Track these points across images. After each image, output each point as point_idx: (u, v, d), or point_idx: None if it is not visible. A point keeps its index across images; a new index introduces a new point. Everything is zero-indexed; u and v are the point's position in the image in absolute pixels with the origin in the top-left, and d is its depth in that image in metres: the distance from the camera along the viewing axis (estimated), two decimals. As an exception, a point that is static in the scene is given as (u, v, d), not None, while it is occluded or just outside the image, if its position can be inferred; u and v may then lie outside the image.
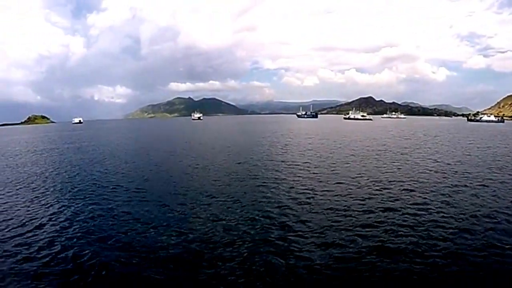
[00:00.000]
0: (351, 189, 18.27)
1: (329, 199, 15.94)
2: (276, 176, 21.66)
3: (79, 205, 16.59)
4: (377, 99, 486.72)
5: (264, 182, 19.93)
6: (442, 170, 24.13)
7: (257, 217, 13.44)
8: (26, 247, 11.32)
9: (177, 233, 12.04)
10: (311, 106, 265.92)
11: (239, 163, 28.25)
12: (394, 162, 27.77)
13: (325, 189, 18.05)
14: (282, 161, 28.21)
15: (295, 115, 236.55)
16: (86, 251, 10.72)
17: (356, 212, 14.10)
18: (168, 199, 16.79)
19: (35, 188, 21.23)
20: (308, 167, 25.19)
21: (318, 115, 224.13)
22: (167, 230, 12.30)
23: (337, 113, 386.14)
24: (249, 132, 74.51)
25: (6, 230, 13.18)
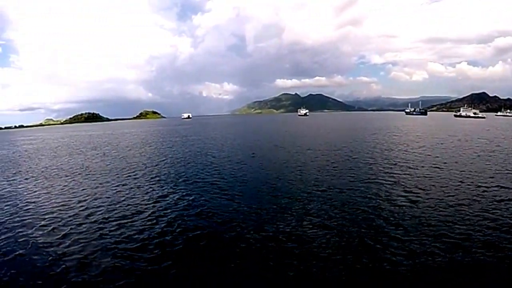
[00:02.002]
0: (452, 193, 16.42)
1: (431, 204, 14.59)
2: (379, 175, 20.69)
3: (180, 195, 17.57)
4: (491, 95, 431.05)
5: (365, 181, 19.23)
6: None
7: (350, 216, 13.22)
8: (124, 230, 12.53)
9: (271, 229, 12.03)
10: (420, 102, 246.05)
11: (341, 159, 27.67)
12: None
13: (427, 192, 16.54)
14: (386, 159, 27.09)
15: (403, 112, 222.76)
16: (179, 241, 11.34)
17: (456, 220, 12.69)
18: (264, 195, 16.95)
19: (141, 177, 23.17)
20: (412, 167, 23.49)
21: (428, 112, 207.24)
22: (259, 226, 12.33)
23: (447, 110, 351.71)
24: (354, 129, 71.04)
25: (109, 214, 14.56)
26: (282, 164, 25.95)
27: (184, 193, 17.81)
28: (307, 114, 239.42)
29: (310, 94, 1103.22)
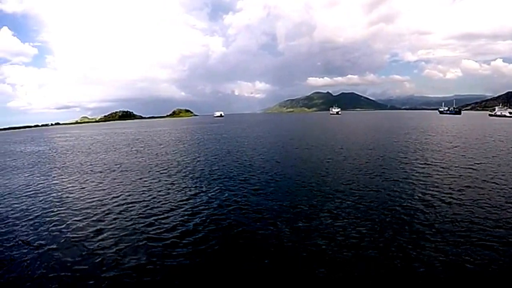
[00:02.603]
0: (486, 195, 15.66)
1: (465, 206, 14.08)
2: (412, 175, 20.27)
3: (212, 192, 17.68)
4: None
5: (399, 180, 18.88)
6: None
7: (381, 218, 12.80)
8: (157, 226, 12.61)
9: (304, 227, 11.95)
10: (454, 101, 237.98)
11: (374, 158, 27.30)
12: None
13: (462, 193, 15.96)
14: (419, 159, 26.35)
15: (436, 111, 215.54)
16: (212, 238, 11.33)
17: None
18: (296, 193, 16.84)
19: (174, 174, 23.33)
20: (445, 167, 22.74)
21: (462, 111, 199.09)
22: (292, 225, 12.23)
23: (482, 109, 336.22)
24: (387, 128, 69.14)
25: (142, 210, 14.72)
26: (315, 162, 25.86)
27: (216, 190, 17.92)
28: (339, 112, 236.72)
29: (342, 93, 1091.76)
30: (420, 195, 15.67)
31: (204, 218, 13.25)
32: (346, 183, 18.30)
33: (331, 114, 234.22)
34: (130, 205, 15.60)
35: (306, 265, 9.15)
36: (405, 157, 27.05)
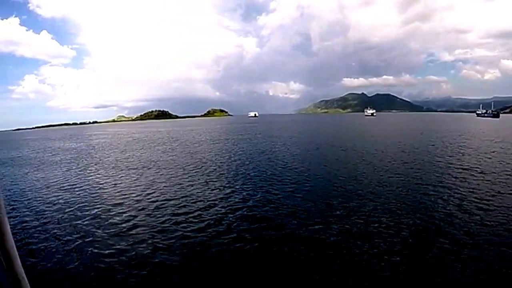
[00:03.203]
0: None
1: (504, 213, 13.23)
2: (449, 180, 19.28)
3: (244, 192, 17.56)
4: None
5: (434, 185, 18.01)
6: None
7: (416, 223, 12.24)
8: (189, 223, 12.66)
9: (336, 229, 11.64)
10: (492, 103, 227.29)
11: (409, 161, 26.08)
12: None
13: (501, 200, 15.02)
14: (452, 164, 24.87)
15: (474, 114, 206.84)
16: (242, 237, 11.18)
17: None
18: (330, 194, 16.56)
19: (208, 173, 23.40)
20: (483, 172, 21.41)
21: (500, 115, 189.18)
22: (324, 226, 11.96)
23: None
24: (423, 131, 65.90)
25: (175, 207, 14.85)
26: (349, 164, 25.41)
27: (250, 190, 17.89)
28: (374, 114, 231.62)
29: (377, 94, 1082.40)
30: (456, 200, 15.12)
31: (236, 217, 13.20)
32: (380, 186, 17.91)
33: (365, 115, 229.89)
34: (164, 202, 15.71)
35: (337, 268, 8.93)
36: (441, 161, 26.02)
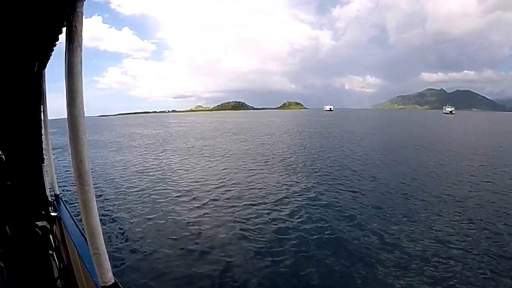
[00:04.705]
0: None
1: None
2: None
3: (311, 185, 17.16)
4: None
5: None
6: None
7: (488, 234, 10.75)
8: (252, 212, 12.55)
9: (396, 233, 10.79)
10: None
11: (486, 167, 23.07)
12: None
13: None
14: None
15: None
16: (301, 232, 10.76)
17: None
18: (396, 196, 15.47)
19: (277, 164, 23.38)
20: None
21: None
22: (385, 229, 11.13)
23: None
24: (507, 134, 59.38)
25: (242, 195, 15.05)
26: (421, 165, 23.55)
27: (314, 184, 17.50)
28: (453, 112, 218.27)
29: (457, 90, 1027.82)
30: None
31: (298, 211, 12.91)
32: (451, 193, 16.23)
33: (444, 113, 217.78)
34: (232, 188, 16.02)
35: (392, 274, 8.29)
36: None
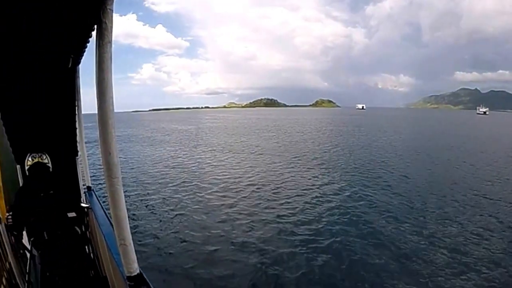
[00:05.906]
0: None
1: None
2: None
3: (342, 183, 17.16)
4: None
5: None
6: None
7: None
8: (282, 208, 12.64)
9: (426, 234, 10.57)
10: None
11: None
12: None
13: None
14: None
15: None
16: (332, 229, 10.78)
17: None
18: (427, 196, 15.29)
19: (308, 161, 23.39)
20: None
21: None
22: (416, 229, 11.02)
23: None
24: None
25: (272, 192, 15.05)
26: (453, 166, 23.31)
27: (346, 182, 17.50)
28: (487, 112, 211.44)
29: (492, 91, 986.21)
30: None
31: (329, 209, 12.91)
32: (485, 195, 15.79)
33: (477, 113, 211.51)
34: (262, 185, 16.16)
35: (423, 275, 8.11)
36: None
